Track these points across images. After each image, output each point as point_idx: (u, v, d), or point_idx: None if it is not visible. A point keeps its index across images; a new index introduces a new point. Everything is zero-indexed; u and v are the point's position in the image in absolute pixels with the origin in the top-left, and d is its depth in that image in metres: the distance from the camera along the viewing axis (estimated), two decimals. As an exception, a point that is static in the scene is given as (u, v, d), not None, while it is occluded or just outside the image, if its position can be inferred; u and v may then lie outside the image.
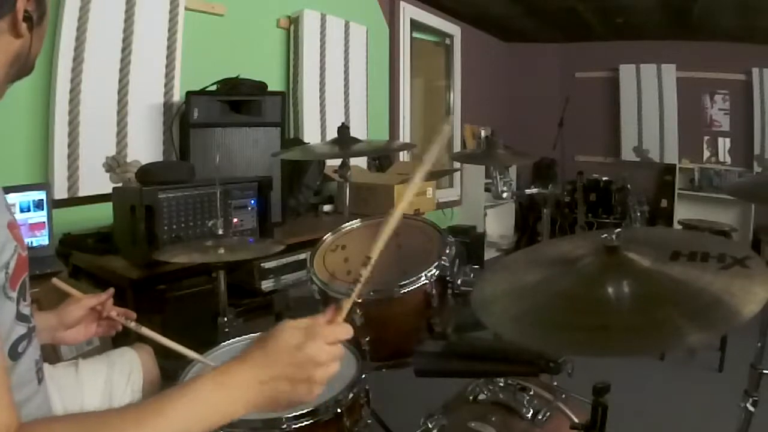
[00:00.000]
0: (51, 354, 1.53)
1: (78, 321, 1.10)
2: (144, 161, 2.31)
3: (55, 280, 1.16)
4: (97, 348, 1.64)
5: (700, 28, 4.73)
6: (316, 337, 0.70)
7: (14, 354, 0.72)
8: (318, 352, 0.69)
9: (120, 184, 2.28)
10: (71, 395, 1.03)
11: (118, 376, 1.11)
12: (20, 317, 0.73)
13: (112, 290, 1.15)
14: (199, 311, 1.78)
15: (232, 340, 1.26)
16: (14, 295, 0.70)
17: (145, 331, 1.12)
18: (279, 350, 0.69)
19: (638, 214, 4.72)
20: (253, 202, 2.13)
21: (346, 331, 0.73)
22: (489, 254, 4.90)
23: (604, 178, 5.21)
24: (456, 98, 5.06)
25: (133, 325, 1.13)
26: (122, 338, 1.27)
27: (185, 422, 0.64)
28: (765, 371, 1.39)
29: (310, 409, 0.96)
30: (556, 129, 5.09)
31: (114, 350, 1.19)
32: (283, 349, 0.69)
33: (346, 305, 0.76)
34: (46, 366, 1.04)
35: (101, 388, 1.08)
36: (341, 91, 3.51)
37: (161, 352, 1.22)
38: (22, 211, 1.81)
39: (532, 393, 1.13)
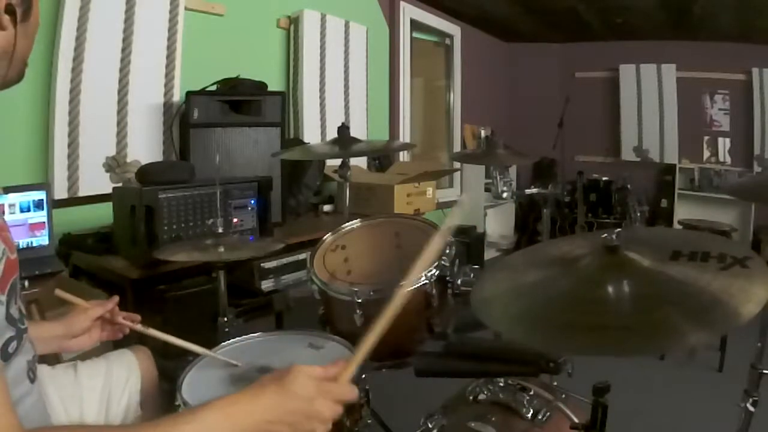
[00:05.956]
0: (51, 354, 1.53)
1: (85, 331, 1.12)
2: (144, 161, 2.31)
3: (58, 291, 1.16)
4: (97, 348, 1.64)
5: (700, 28, 4.73)
6: (328, 394, 0.73)
7: (5, 355, 0.72)
8: (325, 409, 0.72)
9: (120, 184, 2.28)
10: (70, 397, 1.04)
11: (116, 378, 1.12)
12: (10, 320, 0.73)
13: (116, 298, 1.17)
14: (199, 311, 1.78)
15: (232, 340, 1.26)
16: (3, 298, 0.71)
17: (153, 331, 1.13)
18: (292, 398, 0.71)
19: (638, 214, 4.72)
20: (253, 202, 2.13)
21: (353, 394, 0.77)
22: (489, 254, 4.90)
23: (604, 178, 5.20)
24: (456, 98, 5.06)
25: (139, 327, 1.15)
26: (123, 340, 1.27)
27: None
28: (765, 371, 1.38)
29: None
30: (556, 129, 5.09)
31: (112, 352, 1.19)
32: (295, 397, 0.71)
33: (353, 364, 0.78)
34: (44, 367, 1.04)
35: (99, 389, 1.08)
36: (341, 91, 3.51)
37: (161, 352, 1.22)
38: (22, 211, 1.80)
39: (532, 393, 1.13)
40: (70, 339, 1.10)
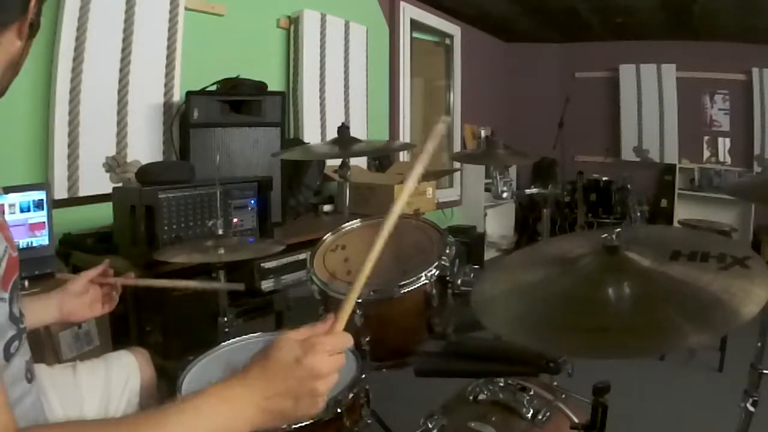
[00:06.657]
0: (50, 354, 1.54)
1: (82, 289, 1.14)
2: (144, 161, 2.31)
3: (59, 275, 1.21)
4: (97, 348, 1.64)
5: (700, 28, 4.73)
6: (315, 349, 0.68)
7: (7, 354, 0.72)
8: (318, 364, 0.68)
9: (120, 184, 2.28)
10: (70, 398, 1.04)
11: (115, 379, 1.11)
12: (12, 318, 0.73)
13: (107, 261, 1.21)
14: (199, 311, 1.78)
15: (233, 340, 1.26)
16: (6, 296, 0.70)
17: (144, 281, 1.17)
18: (278, 366, 0.68)
19: (638, 214, 4.71)
20: (253, 202, 2.13)
21: (346, 340, 0.72)
22: (489, 254, 4.91)
23: (604, 178, 5.20)
24: (456, 98, 5.06)
25: (131, 281, 1.22)
26: (122, 340, 1.28)
27: None
28: (765, 371, 1.38)
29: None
30: (556, 129, 5.09)
31: (111, 353, 1.19)
32: (282, 364, 0.68)
33: (344, 313, 0.73)
34: (43, 367, 1.04)
35: (99, 390, 1.08)
36: (341, 91, 3.51)
37: (161, 352, 1.22)
38: (22, 211, 1.80)
39: (532, 393, 1.13)
40: (71, 298, 1.11)
